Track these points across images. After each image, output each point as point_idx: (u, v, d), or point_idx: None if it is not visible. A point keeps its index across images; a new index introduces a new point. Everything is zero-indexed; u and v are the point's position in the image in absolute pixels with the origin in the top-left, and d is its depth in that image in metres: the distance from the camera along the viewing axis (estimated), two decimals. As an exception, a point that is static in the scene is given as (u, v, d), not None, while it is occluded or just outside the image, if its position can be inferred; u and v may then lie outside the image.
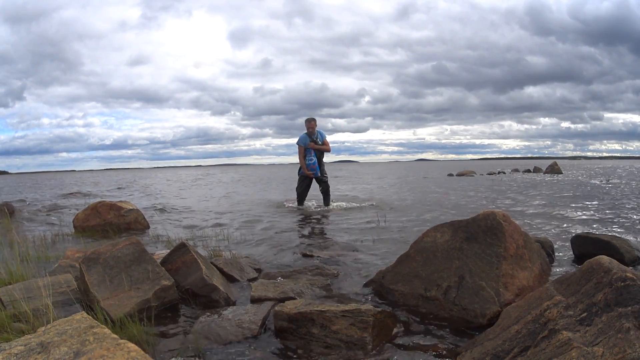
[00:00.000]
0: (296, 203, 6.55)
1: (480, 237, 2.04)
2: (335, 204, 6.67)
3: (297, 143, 6.15)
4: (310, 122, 6.13)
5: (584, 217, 4.96)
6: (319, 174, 6.18)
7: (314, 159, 6.08)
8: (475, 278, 1.92)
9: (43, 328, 1.24)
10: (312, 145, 6.10)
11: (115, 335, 1.17)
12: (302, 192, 6.36)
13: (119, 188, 15.45)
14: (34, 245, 3.60)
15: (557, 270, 2.63)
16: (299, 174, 6.33)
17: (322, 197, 6.47)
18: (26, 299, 1.85)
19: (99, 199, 6.80)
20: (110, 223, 4.67)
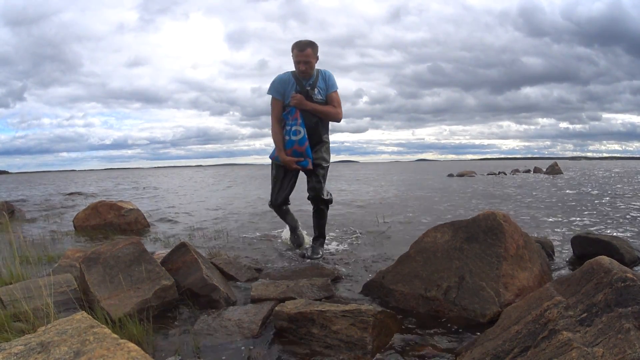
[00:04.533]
0: (285, 232, 3.60)
1: (480, 238, 2.04)
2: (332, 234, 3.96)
3: (269, 92, 2.96)
4: (305, 50, 2.78)
5: (584, 217, 4.96)
6: (309, 164, 2.91)
7: (302, 131, 2.84)
8: (475, 278, 1.92)
9: (43, 328, 1.24)
10: (298, 101, 2.84)
11: (115, 335, 1.17)
12: (276, 198, 3.11)
13: (119, 188, 15.46)
14: (34, 245, 3.60)
15: (557, 270, 2.63)
16: (271, 158, 3.11)
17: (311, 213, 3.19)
18: (26, 299, 1.85)
19: (99, 199, 6.81)
20: (110, 223, 4.68)
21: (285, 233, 3.66)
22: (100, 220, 4.71)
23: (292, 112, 2.88)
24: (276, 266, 2.91)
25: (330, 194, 3.17)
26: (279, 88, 2.93)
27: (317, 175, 2.98)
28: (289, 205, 3.27)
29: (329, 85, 2.95)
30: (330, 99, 2.95)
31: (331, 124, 3.11)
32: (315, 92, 2.91)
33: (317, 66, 2.96)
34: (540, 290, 1.46)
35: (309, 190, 3.03)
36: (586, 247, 2.82)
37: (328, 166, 3.08)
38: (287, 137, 2.91)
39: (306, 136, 2.87)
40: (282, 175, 3.06)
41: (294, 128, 2.87)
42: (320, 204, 3.09)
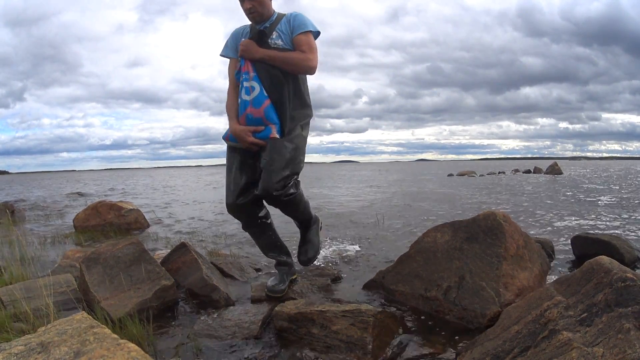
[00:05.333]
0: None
1: (480, 238, 2.04)
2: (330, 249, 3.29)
3: (221, 53, 2.12)
4: None
5: (584, 217, 4.95)
6: (273, 131, 1.94)
7: (257, 87, 1.94)
8: (475, 278, 1.92)
9: (43, 328, 1.24)
10: (245, 48, 1.95)
11: (115, 335, 1.17)
12: (233, 197, 2.09)
13: (119, 188, 15.46)
14: (34, 245, 3.60)
15: (558, 270, 2.63)
16: (224, 139, 2.10)
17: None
18: (26, 299, 1.85)
19: (99, 199, 6.81)
20: (110, 223, 4.68)
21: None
22: (100, 221, 4.71)
23: (241, 64, 2.00)
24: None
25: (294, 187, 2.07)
26: (231, 44, 2.10)
27: (275, 151, 1.93)
28: (266, 214, 2.23)
29: (295, 26, 2.00)
30: (297, 42, 1.98)
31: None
32: (274, 37, 1.99)
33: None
34: (540, 290, 1.46)
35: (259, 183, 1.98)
36: (586, 247, 2.82)
37: (298, 165, 2.01)
38: (239, 100, 2.03)
39: (265, 93, 1.95)
40: (238, 163, 2.05)
41: (245, 84, 1.97)
42: (300, 211, 2.23)
